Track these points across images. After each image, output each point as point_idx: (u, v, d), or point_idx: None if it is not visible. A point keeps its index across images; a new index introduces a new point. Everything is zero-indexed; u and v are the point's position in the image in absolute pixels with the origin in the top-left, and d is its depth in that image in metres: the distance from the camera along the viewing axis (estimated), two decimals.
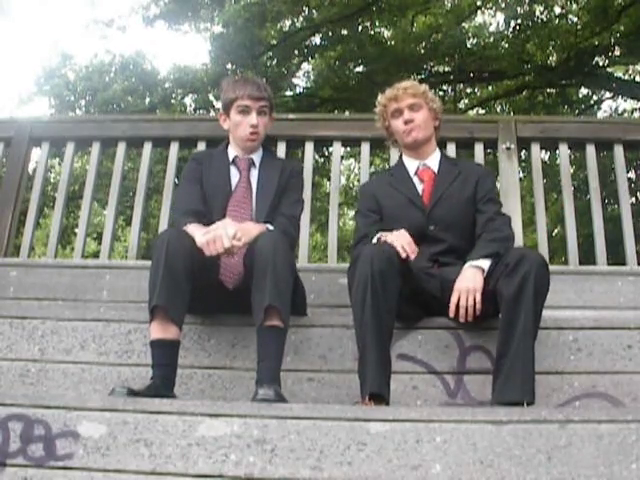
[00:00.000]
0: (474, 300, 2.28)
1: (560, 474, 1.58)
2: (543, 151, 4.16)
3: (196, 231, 2.33)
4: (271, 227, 2.45)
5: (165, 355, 2.19)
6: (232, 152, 2.70)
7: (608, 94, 11.54)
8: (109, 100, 9.79)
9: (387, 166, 3.92)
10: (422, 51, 10.09)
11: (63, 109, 10.57)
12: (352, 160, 13.29)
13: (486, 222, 2.54)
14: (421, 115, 2.66)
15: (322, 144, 4.18)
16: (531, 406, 2.07)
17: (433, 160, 2.71)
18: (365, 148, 3.74)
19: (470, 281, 2.31)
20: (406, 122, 2.65)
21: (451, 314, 2.32)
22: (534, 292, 2.14)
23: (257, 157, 2.69)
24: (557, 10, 10.33)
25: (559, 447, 1.60)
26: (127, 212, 7.30)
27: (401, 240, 2.31)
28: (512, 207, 3.42)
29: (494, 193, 2.69)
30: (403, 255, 2.28)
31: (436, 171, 2.68)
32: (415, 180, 2.67)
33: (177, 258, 2.22)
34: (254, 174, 2.65)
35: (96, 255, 6.49)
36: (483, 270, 2.33)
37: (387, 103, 2.71)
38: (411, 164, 2.72)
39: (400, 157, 2.81)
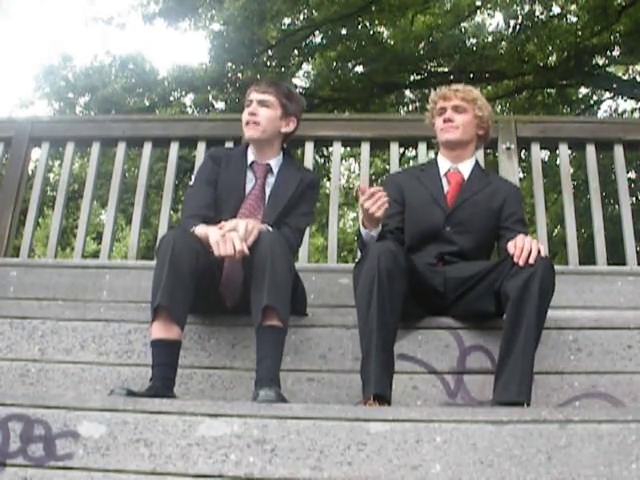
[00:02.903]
0: (530, 246, 2.21)
1: (560, 474, 1.58)
2: (543, 151, 4.16)
3: (209, 229, 2.31)
4: (270, 228, 2.43)
5: (166, 355, 2.19)
6: (250, 156, 2.69)
7: (608, 94, 11.53)
8: (109, 98, 9.79)
9: (387, 166, 3.91)
10: (422, 51, 10.10)
11: (63, 107, 10.57)
12: (352, 160, 13.29)
13: None
14: (462, 118, 2.66)
15: (322, 144, 4.19)
16: (531, 406, 2.07)
17: (466, 166, 2.71)
18: (365, 148, 3.74)
19: (526, 237, 2.27)
20: (445, 121, 2.67)
21: (512, 252, 2.23)
22: (539, 293, 2.13)
23: (275, 163, 2.68)
24: (557, 10, 10.33)
25: (559, 447, 1.60)
26: (128, 211, 7.30)
27: None
28: None
29: (523, 215, 2.68)
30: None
31: (466, 177, 2.68)
32: (444, 181, 2.69)
33: (182, 258, 2.21)
34: (270, 182, 2.64)
35: (96, 255, 6.49)
36: None
37: (437, 100, 2.73)
38: (443, 164, 2.72)
39: (436, 155, 2.83)
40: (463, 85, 2.77)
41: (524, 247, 2.22)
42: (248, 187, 2.62)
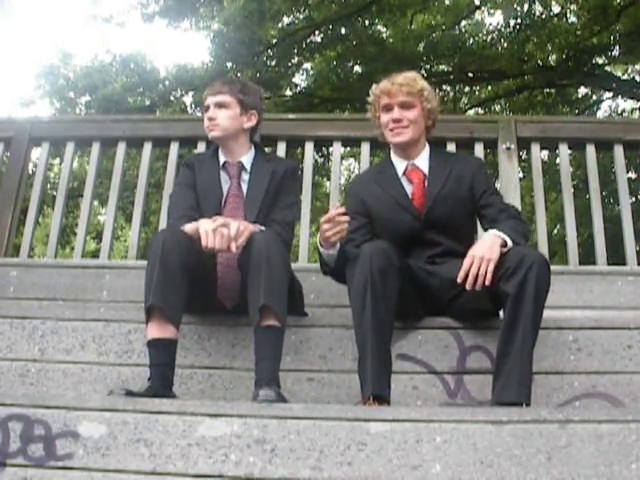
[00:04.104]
0: (486, 270, 2.18)
1: (560, 474, 1.58)
2: (543, 151, 4.15)
3: (200, 221, 2.31)
4: (263, 228, 2.42)
5: (163, 355, 2.19)
6: (222, 156, 2.68)
7: (608, 94, 11.53)
8: (109, 97, 9.78)
9: None
10: (421, 50, 10.10)
11: (63, 107, 10.57)
12: (352, 160, 13.29)
13: (499, 212, 2.49)
14: (411, 114, 2.54)
15: (322, 144, 4.18)
16: (531, 406, 2.07)
17: (422, 159, 2.61)
18: (365, 148, 3.73)
19: (487, 250, 2.21)
20: (394, 121, 2.54)
21: (459, 280, 2.22)
22: (535, 292, 2.12)
23: (247, 160, 2.67)
24: (556, 9, 10.33)
25: (559, 447, 1.60)
26: (126, 207, 7.29)
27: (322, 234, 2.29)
28: None
29: (493, 184, 2.63)
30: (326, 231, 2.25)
31: (426, 171, 2.59)
32: (404, 181, 2.59)
33: (173, 256, 2.21)
34: (245, 179, 2.64)
35: (95, 255, 6.49)
36: (505, 243, 2.25)
37: (380, 95, 2.57)
38: (399, 164, 2.62)
39: (388, 154, 2.71)
40: (404, 75, 2.58)
41: (470, 273, 2.20)
42: (225, 188, 2.61)
